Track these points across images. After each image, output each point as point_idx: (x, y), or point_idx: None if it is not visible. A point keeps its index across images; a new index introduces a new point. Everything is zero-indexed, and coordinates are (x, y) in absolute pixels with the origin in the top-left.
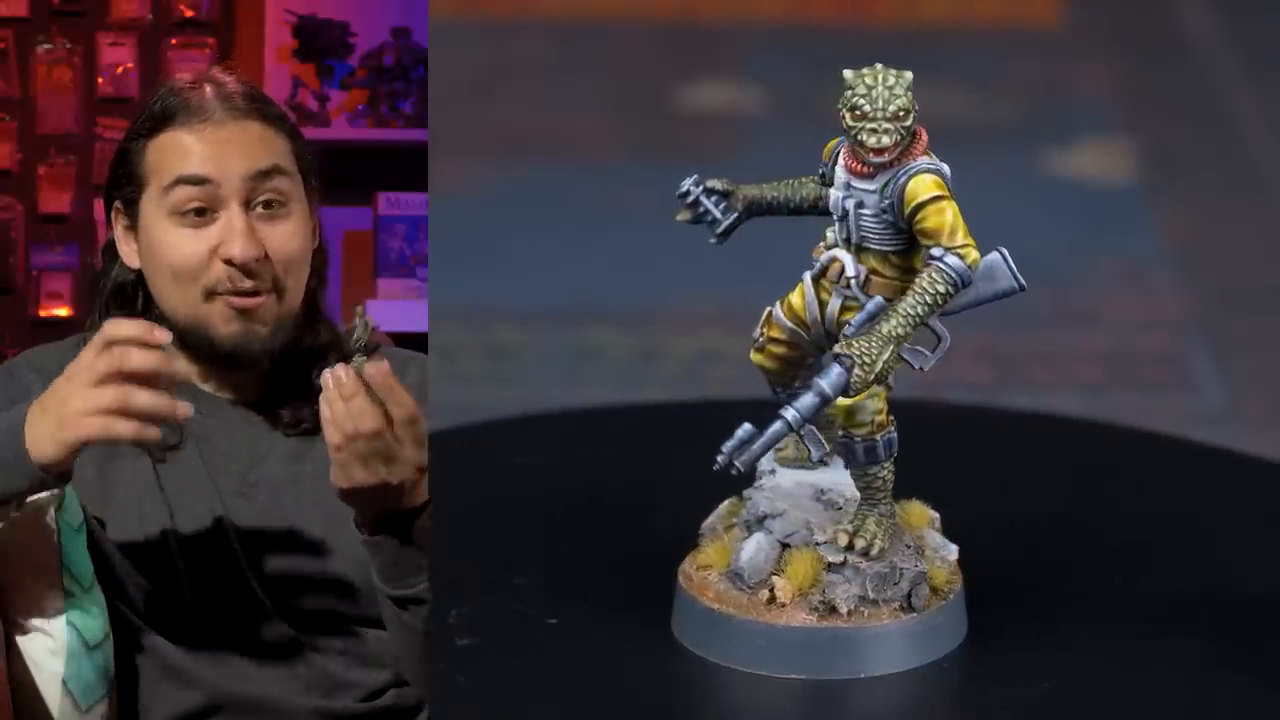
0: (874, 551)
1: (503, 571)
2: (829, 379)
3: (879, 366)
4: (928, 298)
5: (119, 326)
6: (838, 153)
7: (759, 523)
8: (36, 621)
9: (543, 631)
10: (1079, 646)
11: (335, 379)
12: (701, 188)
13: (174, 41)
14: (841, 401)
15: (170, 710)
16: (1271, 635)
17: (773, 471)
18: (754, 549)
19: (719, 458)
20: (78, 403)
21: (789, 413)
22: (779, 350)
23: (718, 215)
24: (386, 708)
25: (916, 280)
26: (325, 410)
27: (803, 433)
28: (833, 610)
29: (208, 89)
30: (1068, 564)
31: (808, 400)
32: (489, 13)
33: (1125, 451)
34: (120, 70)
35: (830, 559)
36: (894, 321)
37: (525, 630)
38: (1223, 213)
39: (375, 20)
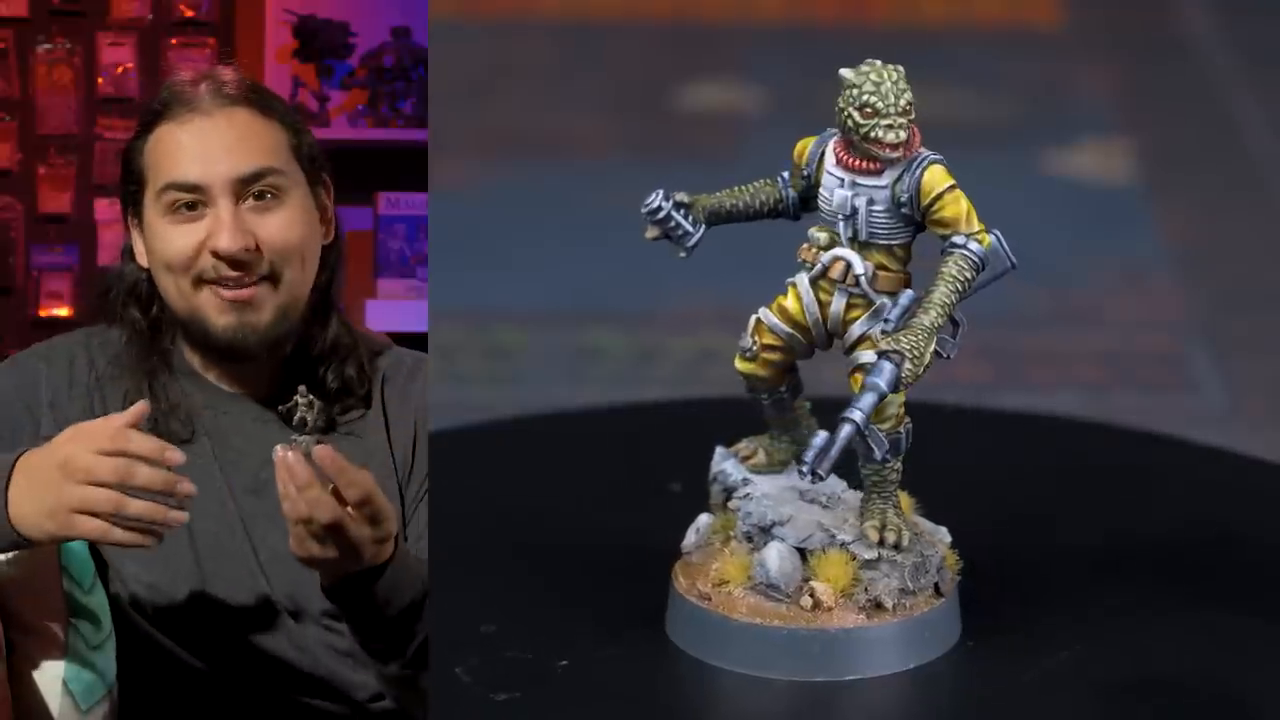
0: (904, 543)
1: (505, 592)
2: (884, 376)
3: (927, 358)
4: (958, 285)
5: (132, 440)
6: (821, 152)
7: (764, 532)
8: (37, 622)
9: (565, 675)
10: (1080, 636)
11: (287, 466)
12: (671, 202)
13: (174, 41)
14: None
15: (172, 711)
16: (1273, 635)
17: (747, 481)
18: (779, 558)
19: (803, 468)
20: (73, 499)
21: (855, 414)
22: (773, 357)
23: (689, 229)
24: (391, 709)
25: (943, 269)
26: (280, 487)
27: (865, 431)
28: (878, 606)
29: (203, 84)
30: (1067, 563)
31: (868, 399)
32: (489, 13)
33: (1125, 451)
34: (120, 70)
35: (866, 556)
36: (933, 313)
37: (547, 674)
38: (1223, 213)
39: (375, 20)
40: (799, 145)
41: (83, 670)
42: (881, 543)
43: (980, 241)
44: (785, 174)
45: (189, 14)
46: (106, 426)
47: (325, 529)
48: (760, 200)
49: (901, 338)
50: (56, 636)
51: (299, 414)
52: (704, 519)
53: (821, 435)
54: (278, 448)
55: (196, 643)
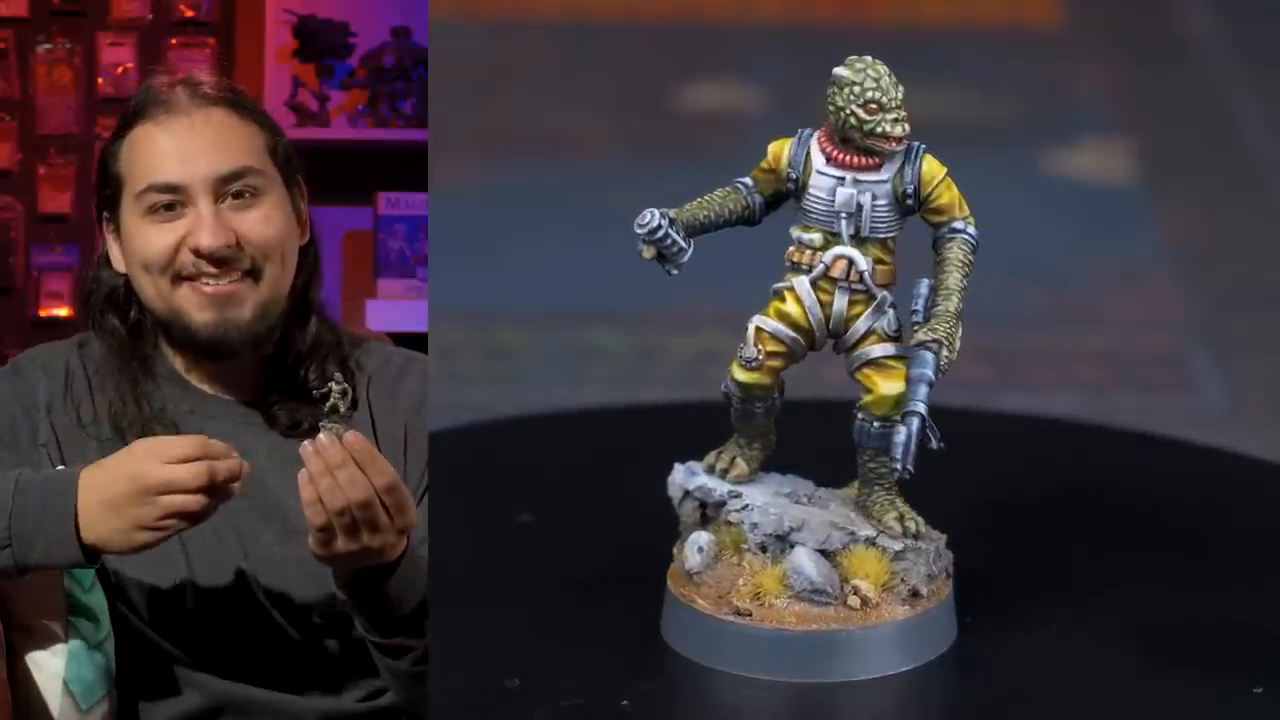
0: (922, 531)
1: (508, 613)
2: (929, 366)
3: (958, 344)
4: (966, 269)
5: (211, 443)
6: (807, 152)
7: (779, 540)
8: (37, 622)
9: (637, 713)
10: (1078, 636)
11: (320, 448)
12: (667, 219)
13: (174, 41)
14: (890, 391)
15: (171, 711)
16: (1272, 638)
17: (735, 494)
18: (811, 563)
19: (895, 466)
20: (154, 512)
21: (919, 406)
22: (776, 364)
23: (683, 244)
24: (387, 706)
25: (949, 256)
26: (308, 491)
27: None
28: (916, 595)
29: (179, 86)
30: (1066, 563)
31: (923, 390)
32: (489, 13)
33: (1125, 451)
34: (120, 70)
35: (895, 548)
36: (955, 299)
37: (622, 716)
38: (1223, 213)
39: (375, 20)
40: (774, 148)
41: (83, 670)
42: (904, 533)
43: (972, 224)
44: (746, 180)
45: (189, 14)
46: (177, 439)
47: (355, 517)
48: (729, 209)
49: (937, 326)
50: (56, 636)
51: (332, 400)
52: (704, 537)
53: (901, 433)
54: (305, 443)
55: (191, 644)
